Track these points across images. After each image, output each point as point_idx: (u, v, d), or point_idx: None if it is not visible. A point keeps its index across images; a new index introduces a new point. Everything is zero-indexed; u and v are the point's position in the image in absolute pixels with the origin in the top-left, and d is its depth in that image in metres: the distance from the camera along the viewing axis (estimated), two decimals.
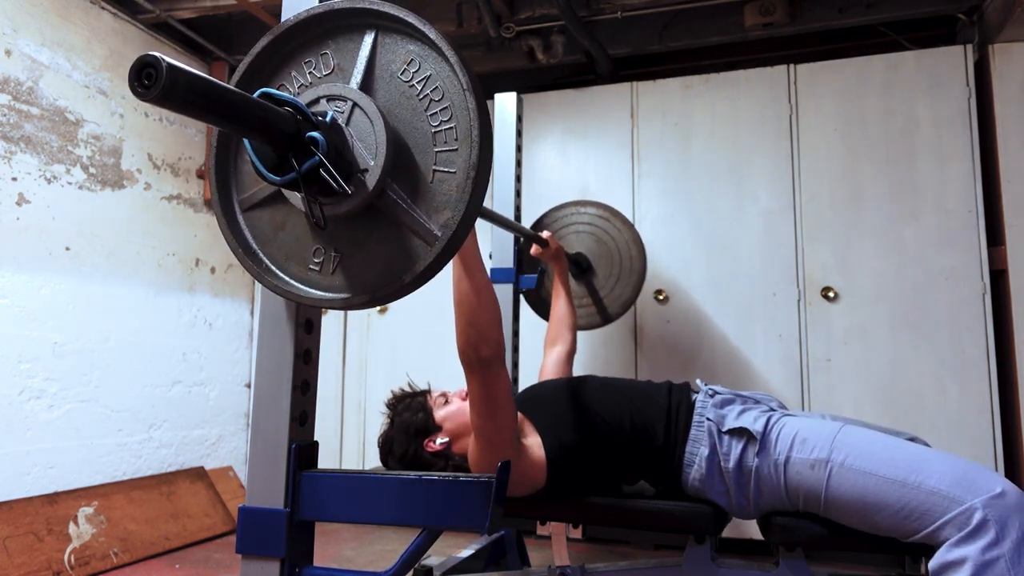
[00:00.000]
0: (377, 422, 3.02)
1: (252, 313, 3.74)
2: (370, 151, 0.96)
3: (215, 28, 3.44)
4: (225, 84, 0.81)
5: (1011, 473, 2.64)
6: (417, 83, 0.99)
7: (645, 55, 3.47)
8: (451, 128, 0.96)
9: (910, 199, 2.80)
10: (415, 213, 0.96)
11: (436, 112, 0.97)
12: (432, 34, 0.96)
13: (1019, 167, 2.72)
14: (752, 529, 2.74)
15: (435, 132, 0.97)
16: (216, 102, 0.79)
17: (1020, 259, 2.68)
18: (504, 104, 2.55)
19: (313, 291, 1.03)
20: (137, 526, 2.80)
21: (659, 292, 3.01)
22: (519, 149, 2.58)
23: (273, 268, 1.06)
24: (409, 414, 1.60)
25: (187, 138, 3.42)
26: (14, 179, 2.58)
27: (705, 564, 1.46)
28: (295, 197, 1.01)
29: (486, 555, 1.92)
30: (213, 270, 3.51)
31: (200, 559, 2.79)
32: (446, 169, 0.96)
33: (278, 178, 0.93)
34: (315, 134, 0.91)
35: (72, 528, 2.57)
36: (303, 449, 1.23)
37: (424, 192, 0.97)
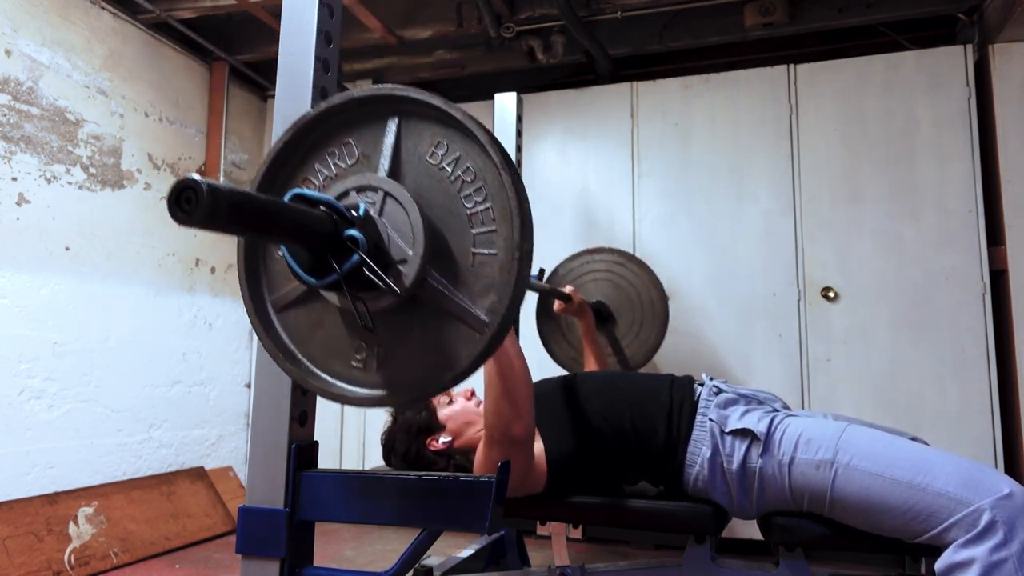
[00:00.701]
0: (378, 422, 3.02)
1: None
2: (407, 240, 0.93)
3: (215, 28, 3.44)
4: (262, 196, 0.80)
5: (1011, 473, 2.64)
6: (447, 165, 0.95)
7: (645, 55, 3.47)
8: (487, 208, 0.92)
9: (910, 199, 2.80)
10: (459, 299, 0.92)
11: (470, 193, 0.94)
12: (458, 115, 0.92)
13: (1019, 167, 2.72)
14: (752, 529, 2.74)
15: (471, 214, 0.94)
16: (256, 217, 0.77)
17: (1020, 259, 2.68)
18: (504, 104, 2.55)
19: (359, 390, 0.99)
20: (137, 526, 2.80)
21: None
22: (519, 149, 2.58)
23: (314, 369, 1.02)
24: (412, 412, 1.60)
25: (187, 138, 3.42)
26: (14, 179, 2.58)
27: (705, 564, 1.46)
28: (331, 294, 0.97)
29: (486, 555, 1.91)
30: (213, 270, 3.51)
31: (200, 559, 2.79)
32: (486, 251, 0.92)
33: (319, 281, 0.89)
34: (353, 232, 0.88)
35: (72, 528, 2.57)
36: (303, 449, 1.22)
37: (465, 276, 0.93)
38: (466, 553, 1.81)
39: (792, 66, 3.00)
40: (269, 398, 1.22)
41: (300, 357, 1.04)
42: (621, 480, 1.56)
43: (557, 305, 2.27)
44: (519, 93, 2.59)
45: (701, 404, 1.48)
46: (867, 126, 2.88)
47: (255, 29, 3.44)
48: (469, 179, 0.94)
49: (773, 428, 1.39)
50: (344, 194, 0.98)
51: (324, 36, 1.28)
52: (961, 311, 2.69)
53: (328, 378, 1.02)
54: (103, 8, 2.98)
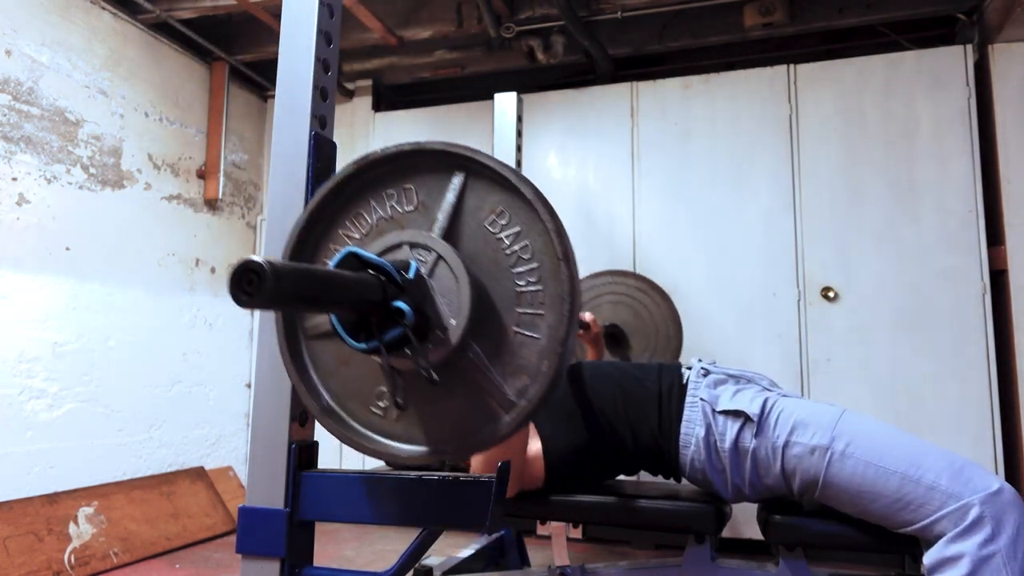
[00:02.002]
0: None
1: (252, 313, 3.73)
2: (451, 308, 0.91)
3: (215, 28, 3.44)
4: (317, 268, 0.78)
5: (1011, 473, 2.64)
6: (505, 237, 0.93)
7: (645, 55, 3.47)
8: (538, 291, 0.90)
9: (910, 199, 2.80)
10: (491, 376, 0.91)
11: (523, 272, 0.92)
12: (528, 192, 0.91)
13: (1019, 167, 2.72)
14: (752, 529, 2.74)
15: (520, 292, 0.92)
16: (314, 292, 0.76)
17: (1020, 259, 2.68)
18: (504, 104, 2.55)
19: (375, 436, 0.98)
20: (137, 526, 2.80)
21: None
22: (519, 149, 2.58)
23: (334, 406, 1.01)
24: None
25: (187, 138, 3.42)
26: (14, 179, 2.58)
27: (705, 564, 1.46)
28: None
29: (486, 555, 1.91)
30: (213, 270, 3.51)
31: (200, 559, 2.79)
32: (528, 333, 0.91)
33: (361, 345, 0.87)
34: (402, 304, 0.86)
35: (72, 528, 2.57)
36: (303, 449, 1.22)
37: (501, 353, 0.92)
38: (466, 553, 1.81)
39: (792, 66, 3.00)
40: (269, 398, 1.22)
41: (321, 391, 1.02)
42: (619, 470, 1.56)
43: None
44: (519, 93, 2.59)
45: (691, 385, 1.48)
46: (867, 126, 2.88)
47: (255, 29, 3.44)
48: (526, 256, 0.92)
49: (767, 409, 1.39)
50: (397, 247, 0.95)
51: (324, 36, 1.28)
52: (961, 311, 2.69)
53: (346, 417, 1.00)
54: (103, 8, 2.98)
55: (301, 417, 1.24)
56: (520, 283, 0.92)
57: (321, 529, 3.02)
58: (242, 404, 3.66)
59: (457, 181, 0.95)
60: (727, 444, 1.38)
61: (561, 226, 0.91)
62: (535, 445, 1.48)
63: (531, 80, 3.68)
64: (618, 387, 1.53)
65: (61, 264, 2.73)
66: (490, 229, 0.94)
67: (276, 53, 1.30)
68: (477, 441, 0.91)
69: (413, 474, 1.22)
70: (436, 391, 0.95)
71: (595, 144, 3.23)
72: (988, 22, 2.84)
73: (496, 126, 2.55)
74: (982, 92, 2.81)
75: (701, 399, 1.44)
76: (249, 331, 3.72)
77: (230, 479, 3.47)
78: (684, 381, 1.51)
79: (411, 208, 0.99)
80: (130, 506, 2.84)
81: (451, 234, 0.95)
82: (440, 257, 0.93)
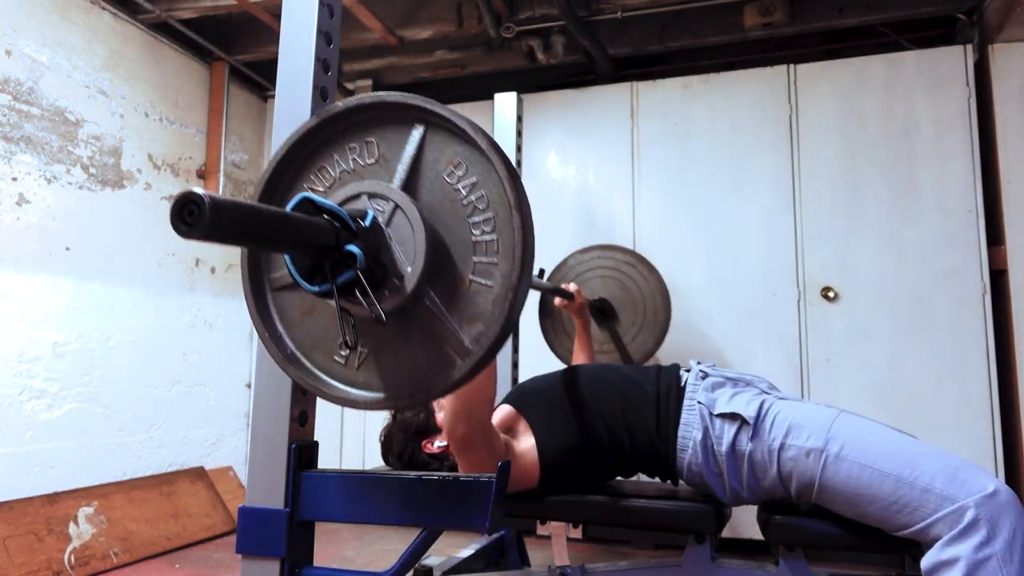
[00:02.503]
0: (378, 422, 3.01)
1: None
2: (408, 256, 0.93)
3: (215, 28, 3.44)
4: (265, 207, 0.80)
5: (1011, 473, 2.64)
6: (462, 187, 0.95)
7: (645, 55, 3.47)
8: (492, 240, 0.93)
9: (910, 199, 2.80)
10: (447, 322, 0.93)
11: (479, 221, 0.94)
12: (483, 142, 0.92)
13: (1019, 167, 2.72)
14: (752, 529, 2.74)
15: (476, 241, 0.94)
16: (259, 228, 0.77)
17: (1020, 259, 2.68)
18: (504, 104, 2.55)
19: (336, 384, 1.01)
20: (137, 526, 2.80)
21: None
22: (519, 149, 2.58)
23: (298, 355, 1.03)
24: (411, 413, 1.60)
25: (187, 138, 3.42)
26: (14, 179, 2.58)
27: (705, 564, 1.46)
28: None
29: (486, 555, 1.91)
30: (213, 270, 3.51)
31: (200, 559, 2.79)
32: (483, 281, 0.93)
33: (314, 287, 0.89)
34: (354, 248, 0.89)
35: (72, 528, 2.57)
36: (303, 449, 1.22)
37: (458, 300, 0.94)
38: (466, 553, 1.82)
39: (792, 66, 3.00)
40: (269, 398, 1.22)
41: (286, 340, 1.05)
42: (616, 472, 1.56)
43: (559, 301, 2.27)
44: (519, 93, 2.59)
45: (688, 388, 1.48)
46: (867, 126, 2.88)
47: (255, 29, 3.44)
48: (482, 207, 0.94)
49: (763, 412, 1.39)
50: (356, 196, 0.98)
51: (324, 36, 1.28)
52: (961, 311, 2.69)
53: (309, 366, 1.03)
54: (103, 8, 2.98)
55: (301, 417, 1.24)
56: (476, 232, 0.94)
57: (321, 529, 3.02)
58: (242, 404, 3.66)
59: (417, 134, 0.98)
60: (724, 447, 1.38)
61: (515, 175, 0.92)
62: (529, 443, 1.48)
63: (531, 80, 3.68)
64: (617, 390, 1.53)
65: (61, 264, 2.73)
66: (448, 180, 0.96)
67: (276, 53, 1.31)
68: (434, 388, 0.94)
69: (413, 474, 1.22)
70: (395, 340, 0.97)
71: (595, 144, 3.23)
72: (988, 22, 2.84)
73: (496, 126, 2.55)
74: (982, 92, 2.81)
75: (699, 402, 1.44)
76: (249, 331, 3.72)
77: (230, 479, 3.47)
78: (682, 384, 1.50)
79: (372, 161, 1.01)
80: (130, 506, 2.84)
81: (410, 185, 0.97)
82: (397, 206, 0.95)
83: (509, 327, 0.92)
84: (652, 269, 2.49)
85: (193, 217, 0.69)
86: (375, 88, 3.72)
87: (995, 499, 1.15)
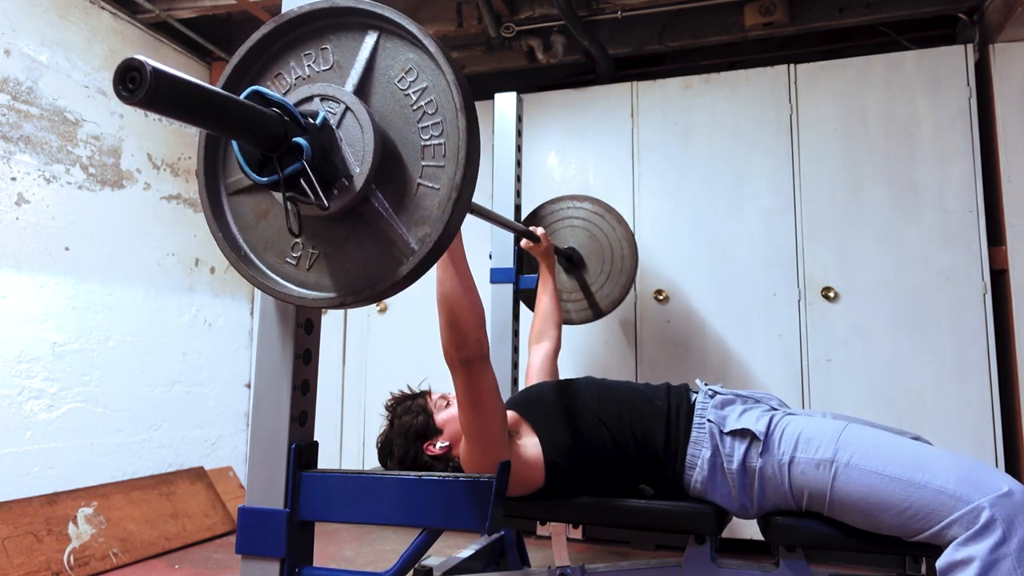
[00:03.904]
0: (377, 422, 3.02)
1: (252, 313, 3.74)
2: (357, 157, 0.96)
3: (215, 28, 3.44)
4: (211, 87, 0.81)
5: (1012, 473, 2.64)
6: (413, 93, 0.98)
7: (645, 55, 3.47)
8: (440, 144, 0.96)
9: (910, 199, 2.80)
10: (395, 224, 0.96)
11: (428, 126, 0.97)
12: (432, 47, 0.95)
13: (1019, 167, 2.72)
14: (752, 529, 2.74)
15: (424, 146, 0.97)
16: (202, 105, 0.79)
17: (1020, 259, 2.68)
18: (504, 104, 2.55)
19: (287, 284, 1.04)
20: (137, 526, 2.80)
21: (659, 292, 3.01)
22: (519, 149, 2.58)
23: (251, 256, 1.07)
24: (409, 417, 1.59)
25: (187, 138, 3.42)
26: (13, 179, 2.58)
27: (705, 564, 1.46)
28: (277, 194, 1.01)
29: (486, 555, 1.91)
30: (213, 270, 3.51)
31: (200, 559, 2.79)
32: (430, 184, 0.96)
33: (262, 178, 0.92)
34: (301, 140, 0.91)
35: (72, 528, 2.57)
36: (303, 449, 1.22)
37: (407, 203, 0.97)
38: (466, 553, 1.81)
39: (792, 66, 3.00)
40: (269, 398, 1.22)
41: (241, 242, 1.08)
42: (620, 483, 1.56)
43: (524, 243, 2.28)
44: (519, 93, 2.59)
45: (698, 406, 1.48)
46: (867, 126, 2.88)
47: (255, 29, 3.43)
48: (431, 111, 0.97)
49: (772, 427, 1.39)
50: (308, 99, 1.00)
51: None
52: (961, 311, 2.69)
53: (262, 267, 1.06)
54: (103, 8, 2.98)
55: (301, 417, 1.24)
56: (424, 137, 0.97)
57: (321, 529, 3.02)
58: (242, 404, 3.66)
59: (370, 40, 1.01)
60: (735, 465, 1.38)
61: (462, 79, 0.94)
62: (535, 447, 1.48)
63: (531, 80, 3.68)
64: (627, 403, 1.53)
65: (61, 264, 2.73)
66: (399, 86, 0.99)
67: None
68: (380, 286, 0.96)
69: (413, 474, 1.22)
70: (344, 242, 1.01)
71: (595, 144, 3.23)
72: (989, 22, 2.84)
73: (496, 126, 2.55)
74: (982, 92, 2.81)
75: (709, 420, 1.44)
76: (249, 331, 3.72)
77: (230, 479, 3.47)
78: (692, 402, 1.51)
79: (327, 67, 1.04)
80: (130, 506, 2.84)
81: (362, 90, 1.00)
82: (348, 108, 0.98)
83: (452, 228, 0.94)
84: (620, 219, 2.55)
85: (135, 84, 0.70)
86: None
87: (1010, 499, 1.15)
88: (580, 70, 3.61)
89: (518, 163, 2.55)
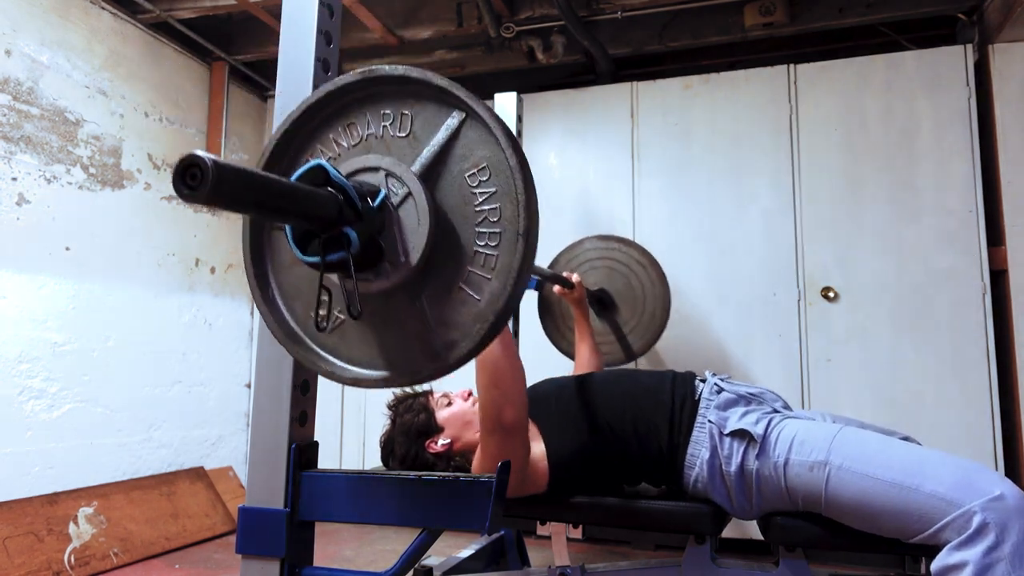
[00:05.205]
0: (378, 422, 3.02)
1: (252, 313, 3.74)
2: (407, 246, 0.92)
3: (215, 28, 3.44)
4: (268, 175, 0.79)
5: (1011, 473, 2.64)
6: (479, 194, 0.93)
7: (645, 55, 3.47)
8: (492, 256, 0.91)
9: (910, 199, 2.80)
10: (426, 321, 0.93)
11: (485, 232, 0.92)
12: (513, 158, 0.90)
13: (1019, 167, 2.72)
14: (752, 529, 2.74)
15: (476, 251, 0.92)
16: (261, 196, 0.76)
17: (1020, 259, 2.68)
18: (504, 104, 2.55)
19: (305, 338, 1.01)
20: (137, 526, 2.80)
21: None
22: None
23: (277, 299, 1.03)
24: (411, 415, 1.60)
25: (187, 138, 3.42)
26: (14, 179, 2.58)
27: (705, 564, 1.46)
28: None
29: (486, 555, 1.92)
30: (213, 270, 3.51)
31: (200, 559, 2.79)
32: (471, 292, 0.92)
33: (306, 257, 0.89)
34: (351, 231, 0.87)
35: (72, 528, 2.57)
36: (303, 449, 1.22)
37: (443, 302, 0.93)
38: (466, 553, 1.81)
39: (792, 66, 3.00)
40: (269, 398, 1.22)
41: (272, 282, 1.04)
42: (622, 481, 1.56)
43: (557, 289, 2.26)
44: (519, 93, 2.59)
45: (701, 404, 1.48)
46: (867, 126, 2.88)
47: (255, 29, 3.44)
48: (493, 219, 0.92)
49: (770, 429, 1.39)
50: (375, 169, 0.96)
51: (324, 36, 1.28)
52: (961, 311, 2.69)
53: (284, 312, 1.03)
54: (103, 8, 2.98)
55: (301, 417, 1.24)
56: (480, 243, 0.93)
57: (321, 529, 3.01)
58: (242, 404, 3.66)
59: (453, 122, 0.96)
60: (733, 467, 1.38)
61: (533, 202, 0.91)
62: (539, 449, 1.48)
63: (531, 80, 3.68)
64: (630, 399, 1.53)
65: (61, 264, 2.73)
66: (469, 181, 0.94)
67: (276, 53, 1.30)
68: (392, 378, 0.94)
69: (413, 474, 1.22)
70: (371, 319, 0.97)
71: (595, 144, 3.23)
72: (988, 22, 2.84)
73: None
74: (982, 92, 2.81)
75: (710, 421, 1.44)
76: (249, 331, 3.72)
77: (230, 479, 3.47)
78: (696, 396, 1.50)
79: (403, 135, 0.99)
80: (130, 506, 2.84)
81: (430, 173, 0.95)
82: (411, 194, 0.93)
83: (481, 346, 0.91)
84: (662, 278, 2.45)
85: (196, 181, 0.68)
86: None
87: (1002, 503, 1.14)
88: (580, 70, 3.61)
89: None
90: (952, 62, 2.81)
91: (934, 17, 3.06)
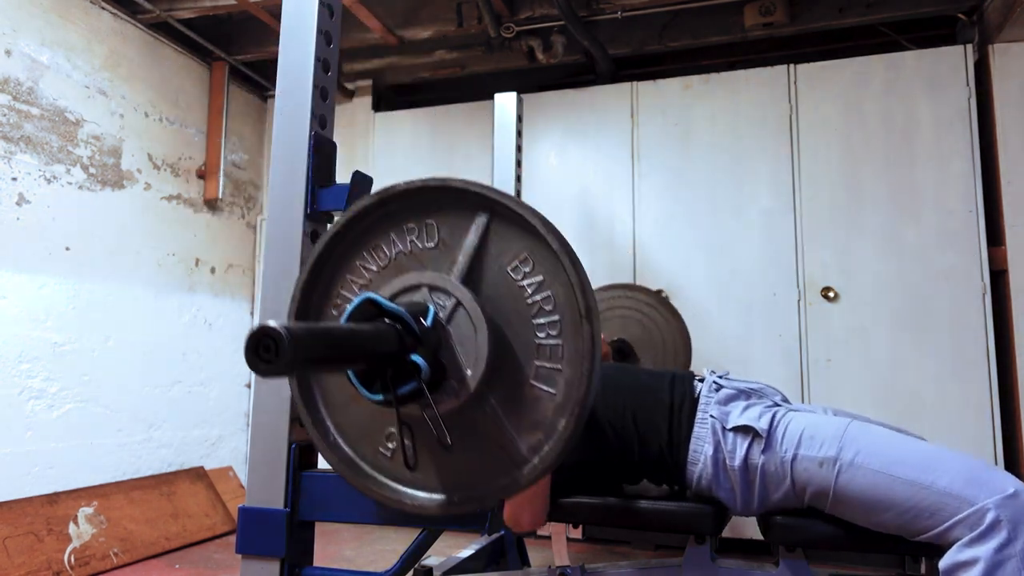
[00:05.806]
0: None
1: (252, 313, 3.74)
2: (468, 357, 0.88)
3: (215, 28, 3.44)
4: (334, 328, 0.76)
5: (1011, 472, 2.63)
6: (528, 285, 0.90)
7: (645, 55, 3.47)
8: (557, 345, 0.88)
9: (910, 199, 2.80)
10: (506, 429, 0.89)
11: (544, 323, 0.88)
12: (555, 243, 0.87)
13: (1019, 167, 2.72)
14: (752, 529, 2.74)
15: (539, 344, 0.88)
16: (331, 354, 0.74)
17: (1020, 259, 2.68)
18: (504, 104, 2.55)
19: (382, 478, 0.95)
20: (137, 526, 2.80)
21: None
22: (519, 149, 2.58)
23: (340, 443, 0.97)
24: None
25: (187, 138, 3.42)
26: (14, 179, 2.58)
27: (705, 564, 1.46)
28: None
29: (486, 555, 1.91)
30: (213, 270, 3.51)
31: (200, 559, 2.79)
32: (545, 387, 0.88)
33: (373, 396, 0.84)
34: (418, 359, 0.83)
35: (72, 528, 2.57)
36: (303, 449, 1.23)
37: (519, 405, 0.89)
38: (466, 553, 1.81)
39: (792, 66, 3.00)
40: (269, 398, 1.22)
41: (328, 425, 0.98)
42: (623, 480, 1.56)
43: None
44: (519, 93, 2.59)
45: (701, 401, 1.48)
46: (867, 126, 2.88)
47: (255, 29, 3.44)
48: (548, 308, 0.89)
49: (775, 424, 1.38)
50: (416, 287, 0.92)
51: (324, 36, 1.28)
52: (961, 311, 2.69)
53: (352, 456, 0.97)
54: (103, 8, 2.98)
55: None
56: (540, 335, 0.89)
57: (321, 529, 3.01)
58: (242, 404, 3.66)
59: (480, 222, 0.92)
60: (737, 462, 1.38)
61: (586, 280, 0.87)
62: None
63: (531, 80, 3.68)
64: (630, 398, 1.52)
65: (61, 264, 2.73)
66: (513, 276, 0.91)
67: (276, 53, 1.31)
68: (488, 496, 0.89)
69: None
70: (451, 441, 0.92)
71: (595, 144, 3.23)
72: (988, 22, 2.84)
73: (496, 126, 2.55)
74: (982, 92, 2.81)
75: (711, 416, 1.43)
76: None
77: (230, 479, 3.47)
78: (696, 395, 1.50)
79: (432, 245, 0.95)
80: (130, 506, 2.84)
81: (472, 277, 0.92)
82: (459, 303, 0.90)
83: (573, 441, 0.86)
84: (674, 312, 2.46)
85: (271, 354, 0.65)
86: (375, 88, 3.72)
87: (1016, 500, 1.14)
88: (580, 70, 3.61)
89: (518, 163, 2.56)
90: (952, 62, 2.81)
91: (934, 17, 3.06)
